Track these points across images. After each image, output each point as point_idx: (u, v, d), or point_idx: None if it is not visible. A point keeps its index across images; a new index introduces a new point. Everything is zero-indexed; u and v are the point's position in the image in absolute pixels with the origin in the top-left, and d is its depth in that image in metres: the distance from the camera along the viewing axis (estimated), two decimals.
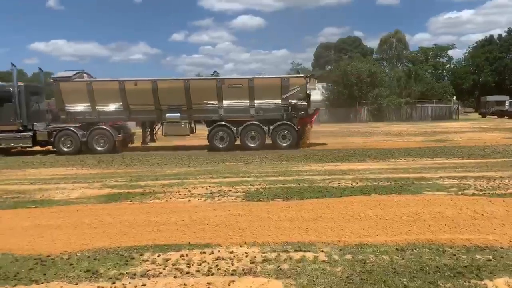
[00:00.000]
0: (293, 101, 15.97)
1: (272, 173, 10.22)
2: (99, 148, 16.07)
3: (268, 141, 16.26)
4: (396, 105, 43.64)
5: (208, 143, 16.40)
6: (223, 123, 16.16)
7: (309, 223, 5.78)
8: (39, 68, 18.21)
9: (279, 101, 16.11)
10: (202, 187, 8.56)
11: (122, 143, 16.81)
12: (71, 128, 16.10)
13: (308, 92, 16.39)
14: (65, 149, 16.03)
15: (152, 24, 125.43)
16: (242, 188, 8.43)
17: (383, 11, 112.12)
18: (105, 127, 16.27)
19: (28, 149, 16.55)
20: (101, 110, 16.44)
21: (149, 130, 17.52)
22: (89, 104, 16.34)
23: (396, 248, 4.79)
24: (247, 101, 16.17)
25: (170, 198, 7.68)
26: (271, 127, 16.05)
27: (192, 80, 16.82)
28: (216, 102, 16.20)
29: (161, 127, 16.87)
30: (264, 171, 10.70)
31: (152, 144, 17.60)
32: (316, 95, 46.21)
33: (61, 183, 9.55)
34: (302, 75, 17.28)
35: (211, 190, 8.28)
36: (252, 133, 16.12)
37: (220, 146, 16.16)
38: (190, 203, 7.30)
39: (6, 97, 16.08)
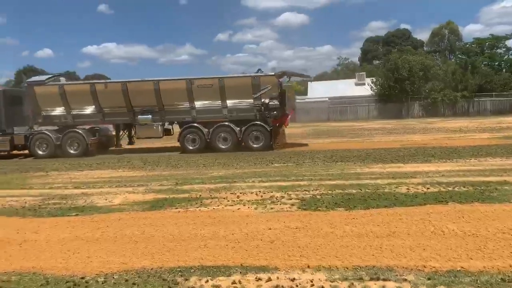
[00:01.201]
0: (266, 101, 15.24)
1: (328, 176, 9.31)
2: (72, 151, 15.95)
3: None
4: (451, 100, 41.04)
5: (180, 145, 15.99)
6: (194, 124, 15.71)
7: (382, 241, 4.86)
8: (23, 73, 17.76)
9: (252, 101, 15.43)
10: (252, 192, 7.81)
11: (98, 146, 16.59)
12: (46, 132, 16.17)
13: (281, 90, 15.49)
14: (40, 152, 16.06)
15: (197, 25, 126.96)
16: (296, 194, 7.59)
17: (430, 3, 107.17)
18: (78, 130, 16.12)
19: (3, 153, 16.36)
20: (75, 113, 16.35)
21: (127, 132, 17.37)
22: (63, 107, 16.30)
23: (502, 278, 3.79)
24: (219, 102, 15.67)
25: (218, 206, 6.97)
26: (242, 128, 15.37)
27: (162, 81, 16.17)
28: (188, 103, 15.82)
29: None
30: (318, 173, 9.81)
31: (130, 146, 17.42)
32: (364, 90, 44.53)
33: (105, 187, 9.13)
34: (273, 73, 16.16)
35: (262, 196, 7.51)
36: (224, 134, 15.54)
37: (191, 148, 15.66)
38: (240, 211, 6.56)
39: None
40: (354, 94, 44.79)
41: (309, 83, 50.15)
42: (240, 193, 7.83)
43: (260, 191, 7.86)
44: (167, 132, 16.77)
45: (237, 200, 7.27)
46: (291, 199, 7.19)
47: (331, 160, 11.99)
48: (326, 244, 4.85)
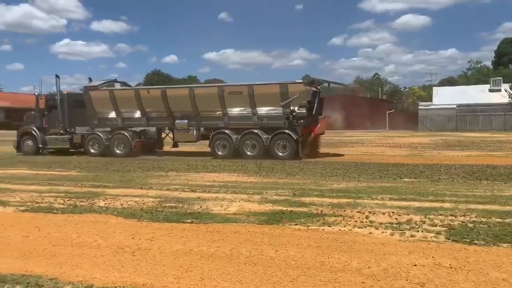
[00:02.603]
0: (294, 109, 14.93)
1: (475, 198, 7.71)
2: (118, 152, 17.15)
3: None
4: None
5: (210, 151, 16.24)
6: (224, 130, 15.91)
7: None
8: (56, 75, 18.90)
9: (281, 108, 15.20)
10: (383, 213, 6.67)
11: (142, 148, 17.46)
12: (98, 133, 17.65)
13: (309, 99, 15.20)
14: (92, 151, 17.57)
15: (312, 29, 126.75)
16: (440, 219, 6.27)
17: None
18: (124, 132, 17.28)
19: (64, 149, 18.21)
20: (124, 116, 17.53)
21: (171, 136, 17.93)
22: (114, 111, 17.52)
23: None
24: (249, 109, 15.70)
25: (344, 226, 5.99)
26: (269, 136, 15.20)
27: (196, 88, 17.07)
28: (220, 109, 16.04)
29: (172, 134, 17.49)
30: (461, 193, 8.23)
31: (174, 149, 18.06)
32: (500, 97, 39.32)
33: (220, 192, 8.74)
34: (301, 81, 15.33)
35: (397, 218, 6.33)
36: (251, 141, 15.51)
37: (221, 153, 15.88)
38: (373, 237, 5.50)
39: (53, 105, 18.27)
40: (488, 102, 39.85)
41: (434, 88, 46.13)
42: (369, 212, 6.74)
43: (393, 212, 6.68)
44: (204, 137, 16.88)
45: (366, 221, 6.21)
46: (435, 226, 5.90)
47: (473, 178, 10.18)
48: None
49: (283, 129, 15.17)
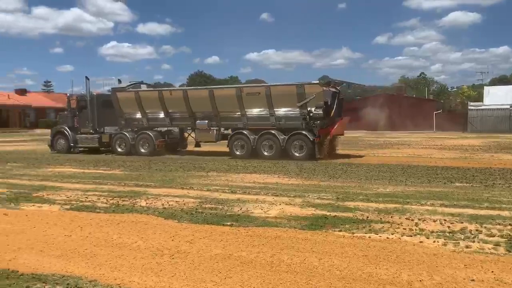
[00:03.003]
0: (311, 110, 14.87)
1: None
2: (143, 151, 17.67)
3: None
4: None
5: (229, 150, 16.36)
6: (242, 131, 16.04)
7: None
8: (85, 77, 19.41)
9: (298, 109, 15.14)
10: (434, 221, 6.25)
11: (166, 147, 17.93)
12: (124, 132, 18.25)
13: (325, 100, 15.14)
14: (119, 150, 18.18)
15: (355, 28, 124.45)
16: (498, 228, 5.78)
17: None
18: (148, 132, 17.77)
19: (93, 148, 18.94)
20: (149, 117, 18.01)
21: (193, 135, 18.22)
22: (139, 111, 18.04)
23: None
24: (267, 109, 15.72)
25: (392, 234, 5.64)
26: (286, 137, 15.16)
27: (216, 89, 17.41)
28: (239, 110, 16.13)
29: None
30: None
31: (197, 149, 18.33)
32: None
33: (261, 194, 8.56)
34: (317, 82, 15.54)
35: (449, 227, 5.90)
36: (268, 142, 15.54)
37: (239, 153, 16.01)
38: (423, 246, 5.12)
39: (84, 105, 18.98)
40: None
41: (485, 88, 43.92)
42: (419, 219, 6.34)
43: (445, 220, 6.25)
44: (224, 137, 16.98)
45: (416, 229, 5.82)
46: (492, 236, 5.44)
47: None
48: None
49: (300, 130, 15.11)
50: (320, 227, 6.07)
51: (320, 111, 14.85)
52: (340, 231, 5.86)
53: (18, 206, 7.80)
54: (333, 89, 15.99)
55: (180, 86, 65.34)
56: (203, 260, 4.75)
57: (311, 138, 14.83)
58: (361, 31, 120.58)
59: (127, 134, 18.13)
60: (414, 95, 61.60)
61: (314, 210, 7.07)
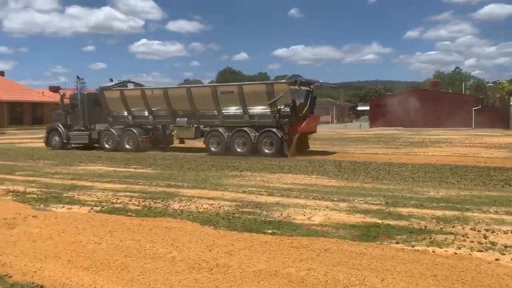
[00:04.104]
0: (280, 108, 15.39)
1: None
2: (128, 147, 18.43)
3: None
4: None
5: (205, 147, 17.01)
6: (218, 128, 16.60)
7: None
8: (77, 76, 20.51)
9: (268, 107, 15.64)
10: (505, 232, 5.49)
11: (151, 143, 18.80)
12: (111, 130, 19.02)
13: (292, 98, 15.70)
14: (107, 146, 18.99)
15: (385, 23, 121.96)
16: None
17: None
18: (132, 129, 18.54)
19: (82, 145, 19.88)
20: (135, 114, 18.79)
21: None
22: (125, 109, 18.84)
23: None
24: (240, 108, 16.23)
25: (459, 248, 4.92)
26: (257, 134, 15.69)
27: (193, 88, 18.07)
28: (215, 108, 16.68)
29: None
30: None
31: (181, 145, 19.19)
32: None
33: (301, 197, 7.95)
34: (284, 81, 16.06)
35: None
36: (241, 139, 16.04)
37: (214, 149, 16.57)
38: (502, 266, 4.39)
39: (76, 104, 19.94)
40: None
41: None
42: (486, 230, 5.58)
43: None
44: (203, 134, 17.54)
45: (486, 243, 5.08)
46: None
47: None
48: None
49: (271, 127, 15.56)
50: (374, 237, 5.41)
51: (288, 109, 15.35)
52: (397, 243, 5.18)
53: (47, 207, 7.47)
54: (307, 88, 16.50)
55: (209, 83, 65.30)
56: (246, 276, 4.19)
57: (279, 135, 15.32)
58: (392, 25, 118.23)
59: (114, 131, 18.96)
60: (450, 91, 59.33)
61: (363, 217, 6.40)
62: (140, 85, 20.63)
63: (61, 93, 21.71)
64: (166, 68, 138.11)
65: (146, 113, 18.55)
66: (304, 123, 15.73)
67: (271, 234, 5.65)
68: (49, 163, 14.45)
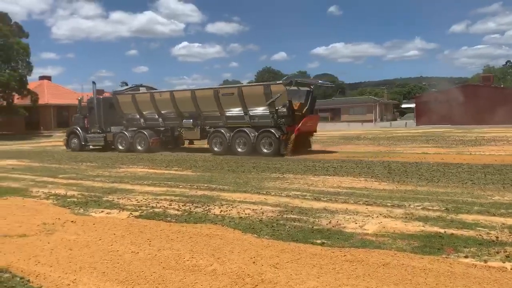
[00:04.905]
0: (278, 108, 15.74)
1: None
2: (140, 148, 19.20)
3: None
4: None
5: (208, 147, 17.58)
6: (220, 129, 17.09)
7: None
8: (93, 82, 21.61)
9: (267, 108, 16.01)
10: None
11: (161, 145, 19.37)
12: (124, 132, 19.92)
13: (289, 99, 15.87)
14: (121, 147, 19.85)
15: (429, 17, 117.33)
16: None
17: None
18: (143, 131, 19.35)
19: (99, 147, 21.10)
20: (146, 117, 19.54)
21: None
22: (136, 112, 19.67)
23: None
24: (242, 109, 16.65)
25: None
26: (256, 134, 16.05)
27: (197, 90, 18.37)
28: (217, 109, 17.19)
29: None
30: None
31: (190, 145, 20.55)
32: None
33: (350, 202, 7.36)
34: (281, 82, 16.40)
35: None
36: (241, 139, 16.45)
37: (217, 149, 17.07)
38: None
39: (92, 108, 21.01)
40: None
41: None
42: None
43: None
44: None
45: None
46: None
47: None
48: None
49: (269, 127, 15.92)
50: (437, 250, 4.78)
51: (285, 109, 15.65)
52: (466, 257, 4.54)
53: (87, 212, 7.31)
54: (307, 88, 17.10)
55: (247, 83, 65.17)
56: None
57: (277, 135, 15.65)
58: (436, 19, 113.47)
59: (127, 133, 19.86)
60: (502, 86, 56.14)
61: (422, 226, 5.75)
62: (152, 88, 21.45)
63: (79, 98, 22.94)
64: (207, 70, 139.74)
65: (156, 116, 19.28)
66: (301, 122, 16.02)
67: (320, 244, 5.13)
68: (91, 165, 14.57)
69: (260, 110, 16.32)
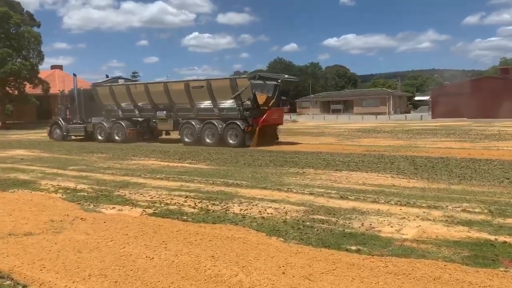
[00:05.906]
0: (243, 101, 16.35)
1: None
2: (117, 138, 19.67)
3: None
4: None
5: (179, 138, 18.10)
6: (190, 121, 17.66)
7: None
8: (73, 74, 22.90)
9: (234, 101, 16.61)
10: None
11: (137, 135, 19.86)
12: (103, 123, 20.36)
13: (253, 92, 16.51)
14: (100, 138, 20.30)
15: (442, 9, 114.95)
16: None
17: None
18: (120, 122, 19.85)
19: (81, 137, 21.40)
20: (123, 108, 20.06)
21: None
22: (114, 104, 20.18)
23: None
24: (211, 102, 17.28)
25: None
26: (223, 126, 16.63)
27: (169, 83, 19.02)
28: (189, 102, 17.78)
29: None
30: None
31: (167, 136, 21.09)
32: None
33: (380, 202, 6.79)
34: (245, 76, 17.31)
35: None
36: (211, 131, 17.08)
37: (187, 140, 17.65)
38: None
39: (74, 99, 21.67)
40: None
41: None
42: None
43: None
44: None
45: None
46: None
47: None
48: None
49: (235, 119, 16.49)
50: (492, 261, 4.21)
51: (249, 103, 16.33)
52: None
53: (97, 208, 6.84)
54: (274, 82, 17.80)
55: (250, 74, 64.39)
56: None
57: (242, 126, 16.27)
58: (449, 11, 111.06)
59: (105, 124, 20.34)
60: None
61: (468, 231, 5.16)
62: (130, 81, 21.80)
63: (60, 90, 23.46)
64: (217, 61, 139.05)
65: (133, 107, 19.79)
66: (266, 115, 16.58)
67: (356, 252, 4.59)
68: (102, 156, 14.15)
69: (228, 103, 16.93)
